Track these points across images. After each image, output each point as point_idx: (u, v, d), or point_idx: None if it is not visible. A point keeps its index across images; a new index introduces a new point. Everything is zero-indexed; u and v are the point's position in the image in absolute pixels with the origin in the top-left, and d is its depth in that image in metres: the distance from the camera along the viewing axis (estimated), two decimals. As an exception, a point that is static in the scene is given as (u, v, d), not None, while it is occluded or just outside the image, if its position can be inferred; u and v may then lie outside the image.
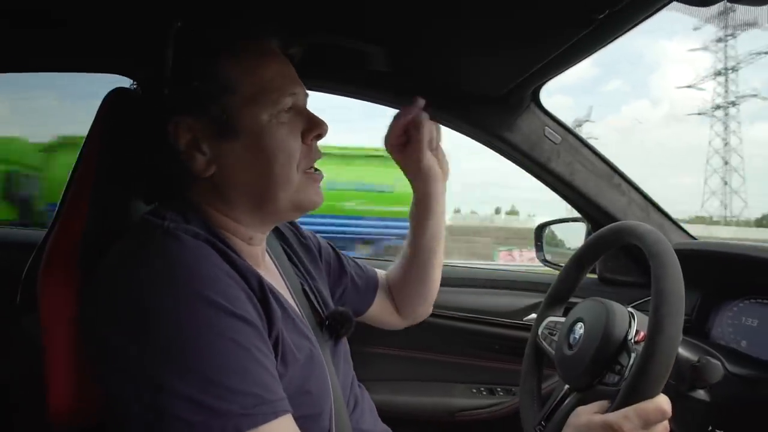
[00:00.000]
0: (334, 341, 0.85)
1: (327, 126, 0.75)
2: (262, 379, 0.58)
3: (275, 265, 0.85)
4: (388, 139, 0.95)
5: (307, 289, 0.86)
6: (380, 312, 1.09)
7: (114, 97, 0.81)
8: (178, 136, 0.68)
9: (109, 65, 1.27)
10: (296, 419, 0.62)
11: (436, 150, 0.96)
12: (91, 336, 0.64)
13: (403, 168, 0.98)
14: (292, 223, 0.99)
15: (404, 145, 0.95)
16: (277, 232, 0.93)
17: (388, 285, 1.11)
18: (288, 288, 0.82)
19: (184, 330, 0.56)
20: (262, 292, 0.66)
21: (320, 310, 0.85)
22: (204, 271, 0.61)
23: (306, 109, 0.75)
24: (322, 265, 0.98)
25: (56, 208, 0.78)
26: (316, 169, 0.76)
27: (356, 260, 1.09)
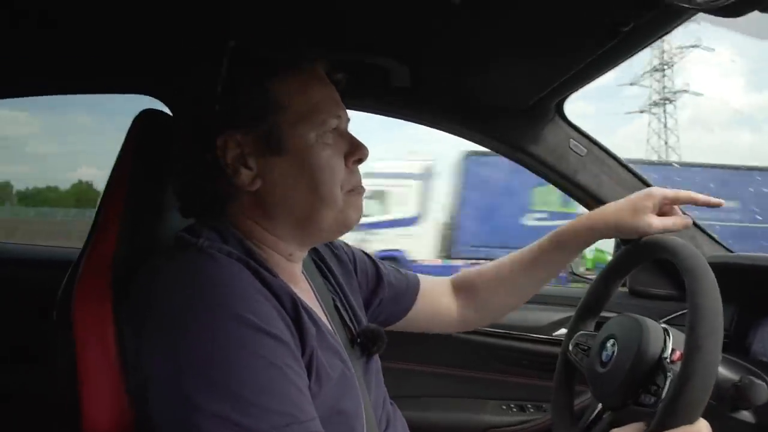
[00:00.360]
0: (366, 359, 0.84)
1: (368, 151, 0.76)
2: (294, 398, 0.58)
3: (308, 281, 0.84)
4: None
5: (339, 305, 0.86)
6: (426, 316, 1.05)
7: (144, 118, 0.83)
8: (226, 150, 0.69)
9: (137, 86, 1.31)
10: None
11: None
12: (128, 353, 0.65)
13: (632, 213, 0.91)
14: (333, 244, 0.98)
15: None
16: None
17: (460, 285, 1.08)
18: (321, 305, 0.82)
19: (218, 348, 0.56)
20: (295, 311, 0.66)
21: (353, 327, 0.84)
22: (237, 289, 0.61)
23: (348, 132, 0.76)
24: (358, 276, 0.97)
25: (90, 228, 0.80)
26: (361, 188, 0.77)
27: (394, 265, 1.07)
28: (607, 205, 0.95)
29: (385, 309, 0.99)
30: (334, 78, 0.79)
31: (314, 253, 0.91)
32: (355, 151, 0.75)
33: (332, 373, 0.68)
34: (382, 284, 0.99)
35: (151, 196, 0.82)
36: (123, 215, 0.77)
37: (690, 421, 0.62)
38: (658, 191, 0.90)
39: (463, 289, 1.07)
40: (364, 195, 0.78)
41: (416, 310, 1.03)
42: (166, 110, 1.20)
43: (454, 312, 1.06)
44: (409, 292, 1.03)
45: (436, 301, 1.06)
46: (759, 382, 0.75)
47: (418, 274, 1.07)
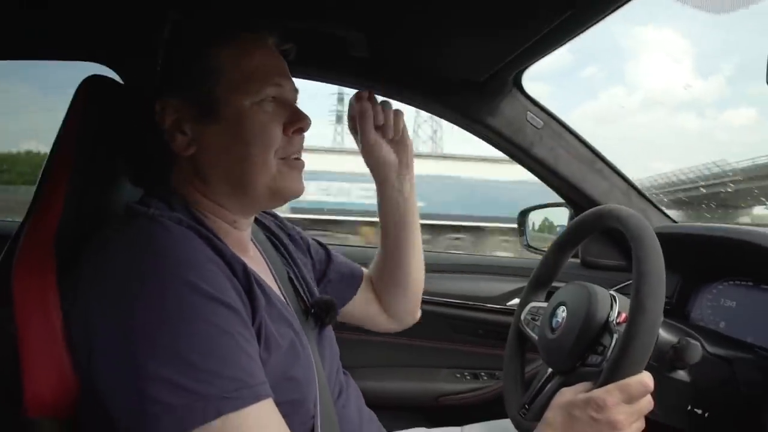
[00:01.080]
0: (319, 329, 0.85)
1: (309, 120, 0.76)
2: (243, 364, 0.59)
3: (260, 253, 0.85)
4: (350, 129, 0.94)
5: (293, 276, 0.87)
6: (366, 311, 1.07)
7: (90, 84, 0.79)
8: (163, 116, 0.71)
9: (87, 53, 1.25)
10: (281, 405, 0.62)
11: (394, 138, 0.91)
12: (74, 324, 0.64)
13: (368, 164, 0.95)
14: (277, 217, 0.99)
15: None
16: (261, 224, 0.93)
17: (372, 283, 1.09)
18: (273, 276, 0.83)
19: (167, 315, 0.57)
20: (246, 279, 0.66)
21: (306, 298, 0.86)
22: (188, 256, 0.61)
23: (292, 102, 0.77)
24: (312, 256, 0.99)
25: (31, 199, 0.76)
26: (297, 158, 0.77)
27: (344, 256, 1.08)
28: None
29: (332, 292, 1.00)
30: (283, 47, 0.79)
31: (266, 230, 0.92)
32: (296, 121, 0.75)
33: (282, 342, 0.68)
34: (331, 265, 1.01)
35: (98, 165, 0.78)
36: (68, 184, 0.74)
37: (634, 374, 0.66)
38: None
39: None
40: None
41: (355, 301, 1.04)
42: (116, 77, 1.16)
43: (383, 312, 1.08)
44: (354, 281, 1.04)
45: (374, 296, 1.07)
46: (694, 342, 0.80)
47: (364, 269, 1.08)
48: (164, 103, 0.71)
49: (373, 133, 0.89)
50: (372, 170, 0.95)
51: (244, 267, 0.67)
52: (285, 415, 0.62)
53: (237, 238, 0.77)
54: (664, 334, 0.82)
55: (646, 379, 0.66)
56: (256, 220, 0.88)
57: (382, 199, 0.97)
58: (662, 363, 0.80)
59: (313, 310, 0.84)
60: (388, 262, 1.02)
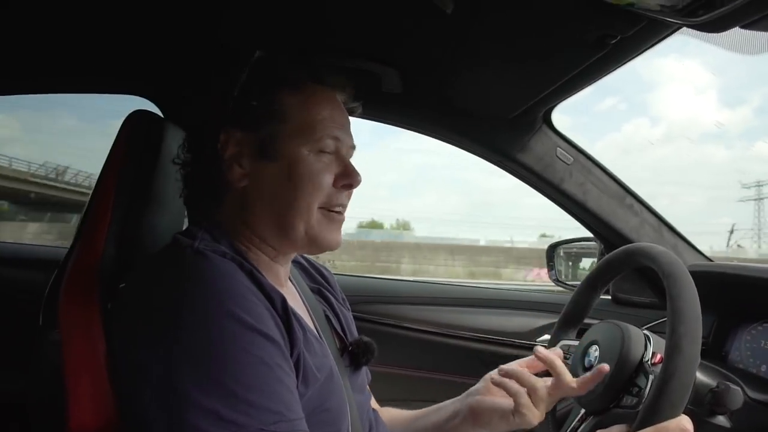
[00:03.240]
0: (353, 368, 0.86)
1: (360, 179, 0.78)
2: (283, 397, 0.60)
3: (297, 291, 0.87)
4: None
5: (330, 315, 0.88)
6: None
7: (135, 118, 0.84)
8: (226, 146, 0.74)
9: (129, 87, 1.31)
10: None
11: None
12: (119, 351, 0.65)
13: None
14: (320, 273, 0.99)
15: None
16: (303, 269, 0.95)
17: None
18: (308, 311, 0.84)
19: (210, 344, 0.58)
20: (285, 313, 0.67)
21: (344, 337, 0.87)
22: (231, 288, 0.62)
23: (347, 159, 0.79)
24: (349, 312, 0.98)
25: (77, 228, 0.80)
26: (339, 212, 0.78)
27: None
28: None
29: None
30: (350, 105, 0.83)
31: (306, 274, 0.95)
32: (347, 175, 0.77)
33: (319, 375, 0.69)
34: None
35: (140, 196, 0.82)
36: (113, 214, 0.77)
37: (672, 418, 0.64)
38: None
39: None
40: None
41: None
42: (156, 111, 1.22)
43: None
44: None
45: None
46: (735, 387, 0.77)
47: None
48: (228, 136, 0.74)
49: None
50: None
51: (283, 300, 0.68)
52: None
53: (276, 272, 0.78)
54: (702, 377, 0.80)
55: (685, 423, 0.64)
56: (297, 262, 0.91)
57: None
58: (701, 407, 0.78)
59: (350, 348, 0.86)
60: None
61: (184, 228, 0.79)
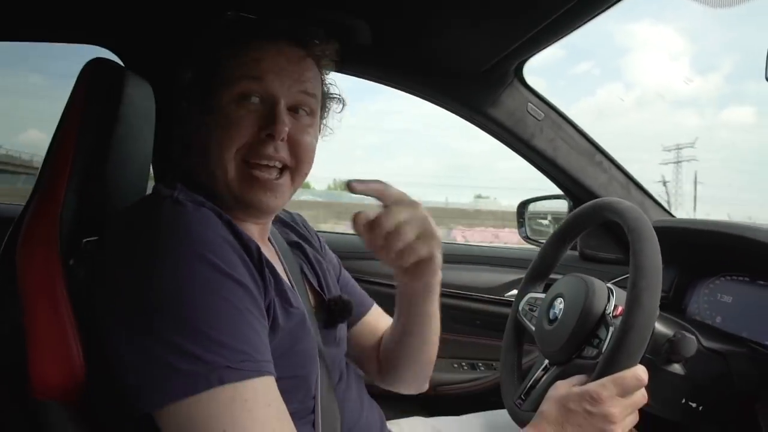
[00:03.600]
0: (330, 324, 0.87)
1: (280, 129, 0.71)
2: (250, 338, 0.61)
3: (275, 248, 0.87)
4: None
5: (306, 270, 0.89)
6: (361, 348, 1.01)
7: (94, 66, 0.79)
8: (182, 106, 0.77)
9: (89, 36, 1.24)
10: (283, 379, 0.65)
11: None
12: (91, 297, 0.66)
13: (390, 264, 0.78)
14: (294, 221, 0.99)
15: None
16: (282, 222, 0.96)
17: (378, 344, 1.02)
18: (284, 267, 0.85)
19: (181, 285, 0.59)
20: (260, 262, 0.68)
21: (320, 292, 0.88)
22: (204, 235, 0.63)
23: (278, 106, 0.72)
24: (330, 264, 0.99)
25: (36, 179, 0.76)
26: (261, 166, 0.73)
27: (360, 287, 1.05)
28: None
29: None
30: (306, 42, 0.77)
31: (287, 228, 0.96)
32: (269, 124, 0.72)
33: (290, 320, 0.71)
34: (340, 285, 0.99)
35: (102, 147, 0.78)
36: (73, 166, 0.74)
37: (629, 367, 0.66)
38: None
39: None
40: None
41: (354, 331, 1.00)
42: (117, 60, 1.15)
43: (375, 360, 1.03)
44: (360, 308, 1.01)
45: (373, 336, 1.03)
46: (690, 336, 0.80)
47: (375, 305, 1.05)
48: (186, 94, 0.76)
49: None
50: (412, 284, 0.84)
51: (258, 249, 0.68)
52: (287, 391, 0.64)
53: (248, 229, 0.79)
54: (660, 328, 0.82)
55: (640, 372, 0.67)
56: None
57: (407, 315, 0.89)
58: (658, 356, 0.81)
59: (328, 305, 0.87)
60: (407, 341, 0.94)
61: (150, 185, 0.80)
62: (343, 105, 0.86)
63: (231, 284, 0.62)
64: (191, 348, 0.57)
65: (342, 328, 0.91)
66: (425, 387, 1.03)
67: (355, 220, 0.69)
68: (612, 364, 0.67)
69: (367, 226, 0.70)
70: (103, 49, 1.24)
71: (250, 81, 0.72)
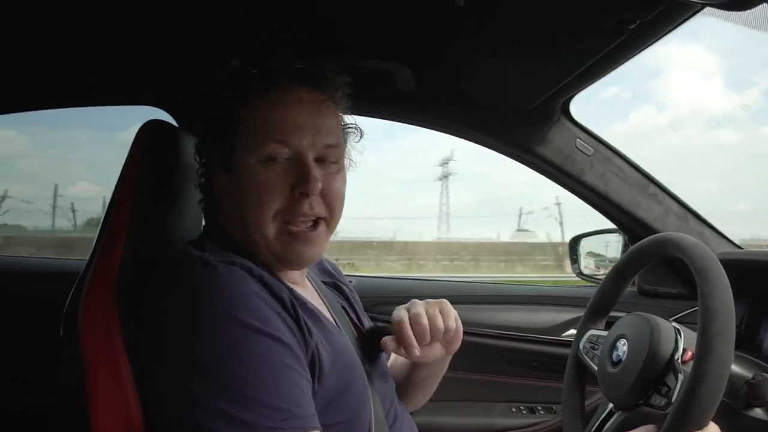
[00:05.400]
0: (373, 355, 0.87)
1: (314, 186, 0.72)
2: (291, 394, 0.61)
3: (314, 287, 0.88)
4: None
5: (346, 306, 0.91)
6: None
7: (149, 128, 0.84)
8: (206, 161, 0.79)
9: (143, 98, 1.31)
10: (336, 424, 0.66)
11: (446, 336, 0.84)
12: (137, 362, 0.69)
13: None
14: (329, 264, 1.02)
15: None
16: (317, 266, 0.97)
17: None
18: (326, 305, 0.86)
19: (218, 350, 0.60)
20: (294, 311, 0.68)
21: (360, 327, 0.90)
22: (237, 295, 0.64)
23: (307, 163, 0.73)
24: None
25: (95, 240, 0.80)
26: (301, 224, 0.74)
27: None
28: None
29: None
30: (325, 90, 0.77)
31: (321, 271, 0.98)
32: (301, 182, 0.72)
33: (336, 365, 0.71)
34: None
35: (157, 206, 0.83)
36: (129, 226, 0.78)
37: (700, 425, 0.62)
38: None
39: None
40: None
41: None
42: (171, 120, 1.22)
43: None
44: None
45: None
46: None
47: None
48: (206, 149, 0.78)
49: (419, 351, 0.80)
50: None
51: (292, 299, 0.69)
52: None
53: (288, 272, 0.80)
54: (737, 369, 0.78)
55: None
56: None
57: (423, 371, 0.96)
58: (736, 400, 0.76)
59: (366, 335, 0.88)
60: (409, 387, 1.00)
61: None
62: (361, 134, 0.85)
63: (266, 341, 0.62)
64: (233, 412, 0.58)
65: (385, 360, 0.91)
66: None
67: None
68: (682, 418, 0.63)
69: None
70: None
71: (276, 144, 0.72)
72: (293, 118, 0.73)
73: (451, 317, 0.83)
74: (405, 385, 0.99)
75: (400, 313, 0.80)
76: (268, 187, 0.71)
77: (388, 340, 0.79)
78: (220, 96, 0.78)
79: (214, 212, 0.80)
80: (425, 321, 0.79)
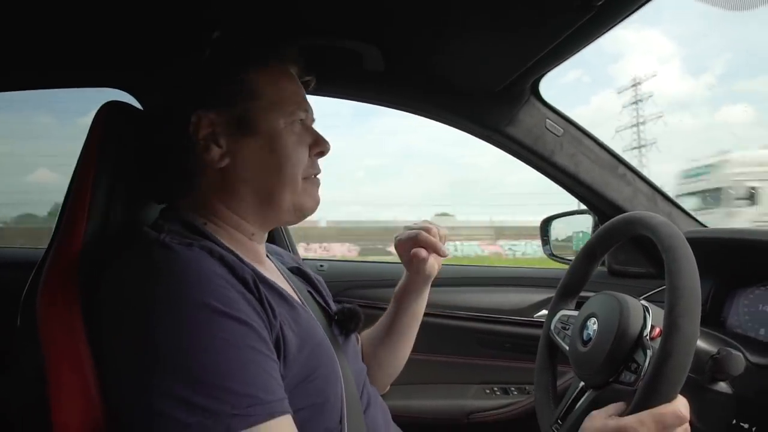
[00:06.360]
0: (344, 337, 0.88)
1: (330, 146, 0.83)
2: (257, 379, 0.59)
3: (277, 267, 0.88)
4: (399, 243, 0.99)
5: (313, 292, 0.90)
6: None
7: (108, 109, 0.80)
8: (198, 127, 0.75)
9: (103, 79, 1.27)
10: (305, 408, 0.64)
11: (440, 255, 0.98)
12: (97, 351, 0.66)
13: (405, 263, 1.01)
14: (300, 260, 1.05)
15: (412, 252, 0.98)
16: (275, 254, 0.97)
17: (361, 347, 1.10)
18: (292, 286, 0.85)
19: (177, 333, 0.58)
20: (258, 290, 0.67)
21: (328, 309, 0.89)
22: (198, 278, 0.62)
23: (313, 128, 0.84)
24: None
25: (54, 227, 0.77)
26: (316, 177, 0.84)
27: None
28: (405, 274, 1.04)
29: None
30: (304, 79, 0.87)
31: (277, 256, 0.97)
32: (319, 144, 0.82)
33: (304, 345, 0.70)
34: None
35: (118, 190, 0.79)
36: (90, 210, 0.74)
37: (669, 398, 0.62)
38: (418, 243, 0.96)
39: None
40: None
41: None
42: (134, 102, 1.18)
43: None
44: None
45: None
46: (736, 353, 0.76)
47: None
48: (200, 116, 0.75)
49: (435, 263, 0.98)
50: (417, 279, 1.02)
51: (254, 277, 0.67)
52: (312, 419, 0.64)
53: (253, 249, 0.80)
54: (702, 344, 0.79)
55: (681, 408, 0.63)
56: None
57: (412, 296, 1.04)
58: (702, 375, 0.77)
59: (336, 317, 0.88)
60: (389, 342, 1.07)
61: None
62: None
63: (229, 323, 0.60)
64: (196, 399, 0.56)
65: (356, 340, 0.92)
66: (386, 390, 1.12)
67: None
68: (651, 394, 0.63)
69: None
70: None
71: (298, 108, 0.80)
72: (302, 90, 0.84)
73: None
74: (388, 339, 1.06)
75: (409, 231, 0.96)
76: (298, 147, 0.79)
77: (418, 249, 0.94)
78: (216, 62, 0.79)
79: (187, 188, 0.77)
80: (433, 228, 0.96)
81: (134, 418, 0.58)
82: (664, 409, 0.62)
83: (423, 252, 0.94)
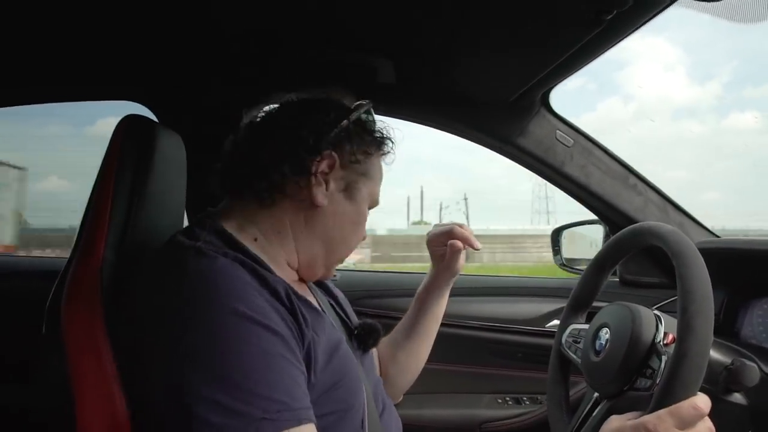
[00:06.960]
0: (362, 351, 0.90)
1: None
2: (286, 386, 0.61)
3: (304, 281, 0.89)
4: (432, 238, 1.05)
5: (334, 304, 0.93)
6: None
7: (127, 123, 0.83)
8: (320, 163, 0.78)
9: (122, 93, 1.30)
10: (331, 414, 0.66)
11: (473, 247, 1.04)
12: (122, 356, 0.68)
13: (436, 259, 1.07)
14: None
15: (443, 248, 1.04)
16: None
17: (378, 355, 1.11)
18: (317, 299, 0.87)
19: (212, 340, 0.60)
20: (290, 302, 0.68)
21: (348, 322, 0.91)
22: (231, 286, 0.64)
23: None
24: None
25: (76, 237, 0.79)
26: None
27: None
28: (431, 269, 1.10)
29: None
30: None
31: None
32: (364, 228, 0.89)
33: (332, 358, 0.72)
34: None
35: (138, 201, 0.81)
36: (110, 221, 0.76)
37: (686, 398, 0.62)
38: (453, 239, 1.02)
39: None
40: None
41: None
42: (150, 115, 1.21)
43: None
44: None
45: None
46: (750, 364, 0.76)
47: None
48: (333, 156, 0.78)
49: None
50: (444, 276, 1.07)
51: (287, 290, 0.69)
52: (334, 426, 0.66)
53: (290, 273, 0.81)
54: (716, 355, 0.79)
55: (698, 401, 0.63)
56: None
57: (435, 297, 1.09)
58: (716, 386, 0.77)
59: (356, 332, 0.90)
60: (410, 345, 1.10)
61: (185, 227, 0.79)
62: None
63: (261, 331, 0.62)
64: (227, 402, 0.57)
65: (374, 354, 0.94)
66: (400, 398, 1.14)
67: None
68: (668, 394, 0.63)
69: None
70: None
71: (376, 202, 0.88)
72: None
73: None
74: (409, 342, 1.09)
75: (442, 227, 1.04)
76: (363, 225, 0.87)
77: (454, 240, 1.01)
78: (369, 124, 0.86)
79: (271, 199, 0.78)
80: (463, 225, 1.03)
81: (165, 420, 0.60)
82: (682, 404, 0.62)
83: (459, 243, 1.00)
